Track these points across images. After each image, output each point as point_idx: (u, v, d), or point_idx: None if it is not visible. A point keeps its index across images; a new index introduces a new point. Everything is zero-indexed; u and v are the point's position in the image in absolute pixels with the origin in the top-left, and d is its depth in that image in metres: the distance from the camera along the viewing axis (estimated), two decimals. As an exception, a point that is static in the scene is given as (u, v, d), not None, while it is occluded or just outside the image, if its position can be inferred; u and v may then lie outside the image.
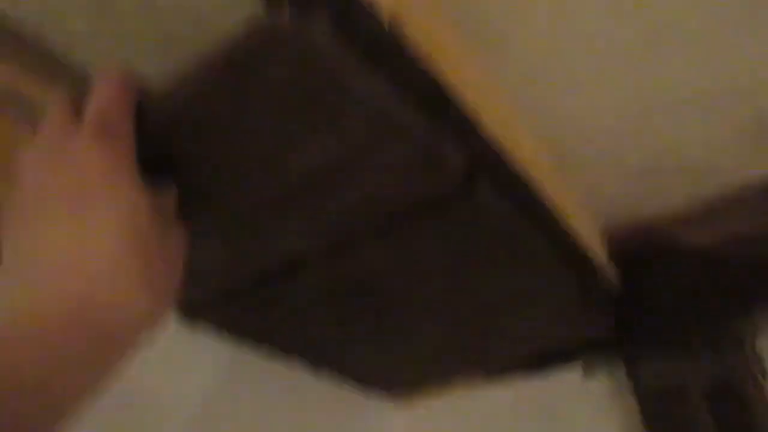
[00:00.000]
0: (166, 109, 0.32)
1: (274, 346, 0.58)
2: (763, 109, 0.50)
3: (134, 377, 0.47)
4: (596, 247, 0.59)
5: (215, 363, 0.54)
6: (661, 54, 0.45)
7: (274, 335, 0.57)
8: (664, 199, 0.61)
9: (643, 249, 0.63)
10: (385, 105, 0.32)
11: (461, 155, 0.38)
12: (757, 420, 0.58)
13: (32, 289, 0.28)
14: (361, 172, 0.37)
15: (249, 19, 0.27)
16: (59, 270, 0.29)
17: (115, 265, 0.29)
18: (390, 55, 0.30)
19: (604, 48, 0.44)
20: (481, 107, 0.39)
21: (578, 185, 0.57)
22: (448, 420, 0.73)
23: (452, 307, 0.55)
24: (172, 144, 0.34)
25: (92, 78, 0.38)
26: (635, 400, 0.60)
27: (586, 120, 0.51)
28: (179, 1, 0.33)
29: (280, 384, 0.60)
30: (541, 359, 0.68)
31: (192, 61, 0.30)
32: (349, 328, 0.57)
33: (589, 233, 0.58)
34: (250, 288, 0.48)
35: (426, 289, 0.52)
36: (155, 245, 0.31)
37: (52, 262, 0.29)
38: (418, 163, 0.37)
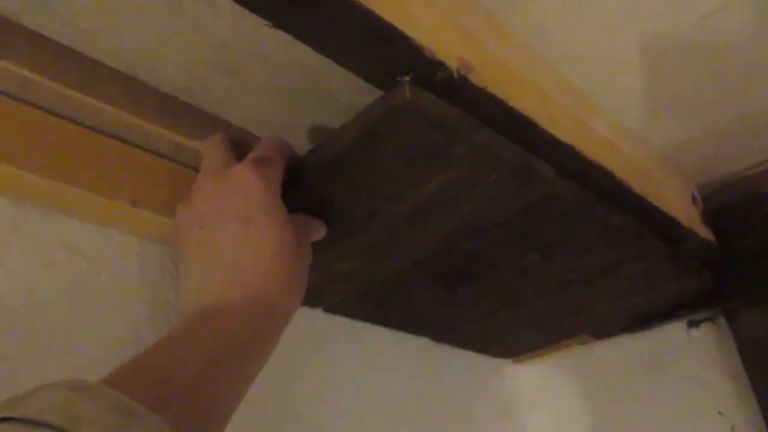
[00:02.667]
0: (319, 159, 0.43)
1: (399, 326, 0.68)
2: None
3: (288, 364, 0.56)
4: (684, 207, 0.62)
5: (354, 347, 0.64)
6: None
7: (399, 318, 0.66)
8: (753, 156, 0.63)
9: (736, 203, 0.66)
10: (481, 139, 0.40)
11: (550, 166, 0.45)
12: None
13: (220, 283, 0.38)
14: (471, 193, 0.45)
15: (378, 98, 0.38)
16: (240, 269, 0.39)
17: (274, 269, 0.39)
18: (466, 97, 0.39)
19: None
20: (553, 112, 0.45)
21: (670, 143, 0.62)
22: (562, 376, 0.80)
23: (551, 281, 0.62)
24: (318, 185, 0.44)
25: (236, 130, 0.49)
26: (737, 349, 0.64)
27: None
28: (298, 59, 0.42)
29: (409, 356, 0.69)
30: (644, 317, 0.73)
31: (340, 128, 0.41)
32: (461, 305, 0.65)
33: (676, 193, 0.62)
34: (378, 286, 0.58)
35: (526, 270, 0.59)
36: (297, 259, 0.41)
37: (233, 263, 0.39)
38: (513, 182, 0.45)
